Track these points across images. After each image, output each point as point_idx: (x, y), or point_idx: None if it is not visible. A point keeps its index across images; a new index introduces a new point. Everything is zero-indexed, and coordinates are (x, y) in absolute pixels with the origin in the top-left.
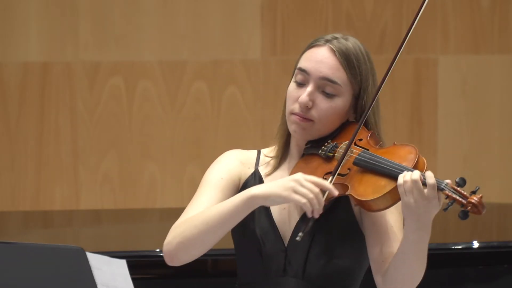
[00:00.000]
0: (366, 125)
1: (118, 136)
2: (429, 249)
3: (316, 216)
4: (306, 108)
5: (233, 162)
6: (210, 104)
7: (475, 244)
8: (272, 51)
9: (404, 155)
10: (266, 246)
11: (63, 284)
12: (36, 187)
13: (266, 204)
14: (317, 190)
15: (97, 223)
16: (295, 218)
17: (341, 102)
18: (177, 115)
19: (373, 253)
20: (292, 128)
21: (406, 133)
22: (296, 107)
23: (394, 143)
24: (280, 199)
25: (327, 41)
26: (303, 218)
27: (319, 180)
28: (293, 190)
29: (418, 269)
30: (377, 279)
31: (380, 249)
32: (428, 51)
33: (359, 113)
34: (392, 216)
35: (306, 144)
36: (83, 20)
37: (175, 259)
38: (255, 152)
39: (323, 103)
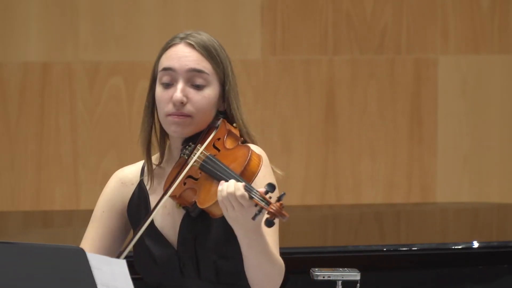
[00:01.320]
0: (231, 119)
1: (118, 136)
2: (429, 249)
3: None
4: (181, 104)
5: (113, 190)
6: None
7: (475, 244)
8: (272, 51)
9: (237, 159)
10: (157, 253)
11: (63, 284)
12: (36, 187)
13: None
14: None
15: None
16: (178, 220)
17: (212, 92)
18: None
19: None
20: (172, 129)
21: (406, 133)
22: (170, 108)
23: (238, 144)
24: None
25: (182, 38)
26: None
27: None
28: None
29: (268, 268)
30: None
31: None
32: (428, 51)
33: (227, 100)
34: None
35: (182, 144)
36: (83, 20)
37: None
38: (142, 162)
39: (196, 96)
